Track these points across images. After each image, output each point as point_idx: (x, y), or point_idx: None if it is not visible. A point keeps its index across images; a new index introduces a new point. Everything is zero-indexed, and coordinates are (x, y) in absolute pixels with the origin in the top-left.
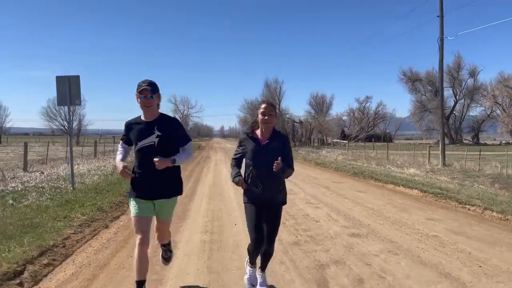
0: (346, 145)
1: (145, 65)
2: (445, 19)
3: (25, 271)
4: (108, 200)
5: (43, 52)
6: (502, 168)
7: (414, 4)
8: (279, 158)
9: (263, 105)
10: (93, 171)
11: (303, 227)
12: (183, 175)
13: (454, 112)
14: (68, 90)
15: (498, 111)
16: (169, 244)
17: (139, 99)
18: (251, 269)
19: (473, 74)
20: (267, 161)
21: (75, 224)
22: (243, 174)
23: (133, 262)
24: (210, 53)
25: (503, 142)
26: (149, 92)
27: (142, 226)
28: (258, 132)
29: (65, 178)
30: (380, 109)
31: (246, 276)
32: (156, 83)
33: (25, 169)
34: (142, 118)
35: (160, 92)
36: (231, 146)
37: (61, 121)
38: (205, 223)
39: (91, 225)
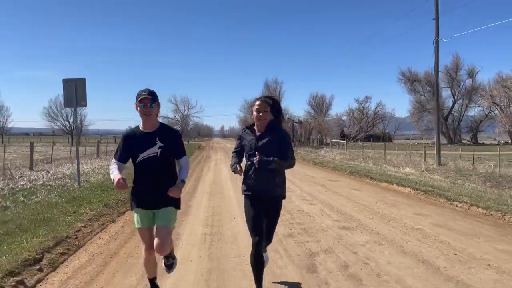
0: (345, 145)
1: (145, 65)
2: (445, 19)
3: (44, 259)
4: (113, 197)
5: (43, 52)
6: (494, 167)
7: (414, 4)
8: (257, 152)
9: (258, 102)
10: (97, 170)
11: (297, 221)
12: None
13: (453, 112)
14: (75, 93)
15: (496, 111)
16: (170, 253)
17: (138, 108)
18: None
19: (471, 74)
20: (259, 152)
21: (84, 218)
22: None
23: (143, 264)
24: (210, 53)
25: (501, 142)
26: (149, 101)
27: (145, 236)
28: (255, 127)
29: (70, 177)
30: (379, 109)
31: None
32: (156, 92)
33: (31, 168)
34: (141, 128)
35: (159, 101)
36: (231, 146)
37: (62, 121)
38: (206, 218)
39: (100, 220)
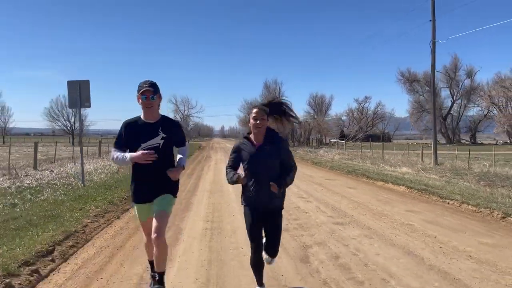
0: (344, 145)
1: (145, 65)
2: (445, 19)
3: (55, 251)
4: (117, 195)
5: (43, 52)
6: (489, 166)
7: (415, 4)
8: (273, 182)
9: (255, 110)
10: (100, 170)
11: (293, 217)
12: (185, 173)
13: (452, 112)
14: (79, 94)
15: (495, 111)
16: (162, 275)
17: (140, 100)
18: None
19: (470, 74)
20: (261, 165)
21: (90, 214)
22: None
23: (144, 247)
24: (210, 53)
25: (500, 142)
26: (150, 92)
27: (146, 228)
28: (252, 136)
29: (74, 176)
30: (379, 109)
31: None
32: (157, 83)
33: (35, 167)
34: (143, 118)
35: (160, 93)
36: (231, 146)
37: (63, 121)
38: (206, 214)
39: (105, 216)
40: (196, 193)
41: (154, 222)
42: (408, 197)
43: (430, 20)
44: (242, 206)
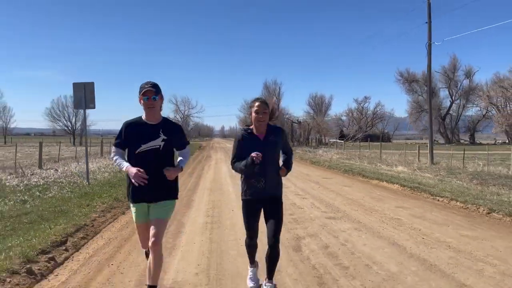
0: (343, 144)
1: (145, 65)
2: (445, 19)
3: (68, 241)
4: (121, 192)
5: (43, 52)
6: (483, 165)
7: (415, 5)
8: (282, 167)
9: (257, 103)
10: (103, 169)
11: (289, 212)
12: (186, 172)
13: (450, 112)
14: (84, 95)
15: (493, 111)
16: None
17: (142, 101)
18: (251, 269)
19: (468, 75)
20: (267, 156)
21: (98, 210)
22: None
23: (147, 264)
24: (210, 53)
25: (499, 141)
26: (152, 93)
27: (141, 232)
28: (253, 129)
29: (79, 175)
30: (378, 109)
31: (248, 277)
32: (158, 84)
33: (40, 166)
34: (144, 119)
35: (162, 94)
36: (231, 146)
37: (64, 121)
38: (207, 210)
39: (111, 211)
40: (197, 191)
41: (152, 228)
42: (400, 195)
43: (426, 22)
44: (242, 200)
